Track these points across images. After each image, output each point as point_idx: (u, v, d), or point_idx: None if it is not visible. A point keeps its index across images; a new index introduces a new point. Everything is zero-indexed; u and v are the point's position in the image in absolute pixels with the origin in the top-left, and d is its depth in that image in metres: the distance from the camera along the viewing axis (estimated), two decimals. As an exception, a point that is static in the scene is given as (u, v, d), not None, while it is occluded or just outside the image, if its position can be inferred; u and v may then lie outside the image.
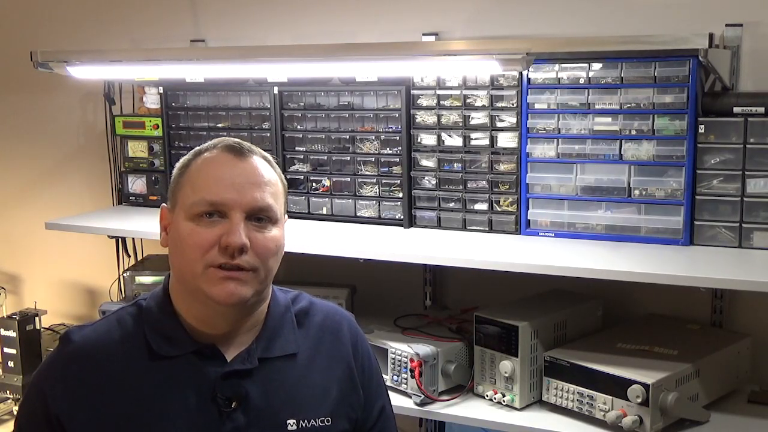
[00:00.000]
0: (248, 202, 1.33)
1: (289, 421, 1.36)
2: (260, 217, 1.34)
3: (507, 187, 2.19)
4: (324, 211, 2.41)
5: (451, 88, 2.22)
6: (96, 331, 1.39)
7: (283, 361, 1.40)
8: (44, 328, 2.87)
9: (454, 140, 2.23)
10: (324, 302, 1.55)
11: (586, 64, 2.05)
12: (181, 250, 1.32)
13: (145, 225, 2.44)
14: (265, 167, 1.38)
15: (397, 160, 2.31)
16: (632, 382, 1.82)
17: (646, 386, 1.80)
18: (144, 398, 1.32)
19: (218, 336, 1.36)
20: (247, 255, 1.31)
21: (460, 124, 2.22)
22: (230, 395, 1.33)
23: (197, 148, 1.40)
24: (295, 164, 2.45)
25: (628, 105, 2.03)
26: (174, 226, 1.35)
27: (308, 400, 1.39)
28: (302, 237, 2.26)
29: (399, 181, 2.31)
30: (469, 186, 2.24)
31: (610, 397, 1.86)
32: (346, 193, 2.39)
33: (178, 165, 1.40)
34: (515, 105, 2.14)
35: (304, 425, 1.37)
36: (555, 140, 2.11)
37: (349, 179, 2.38)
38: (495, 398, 2.02)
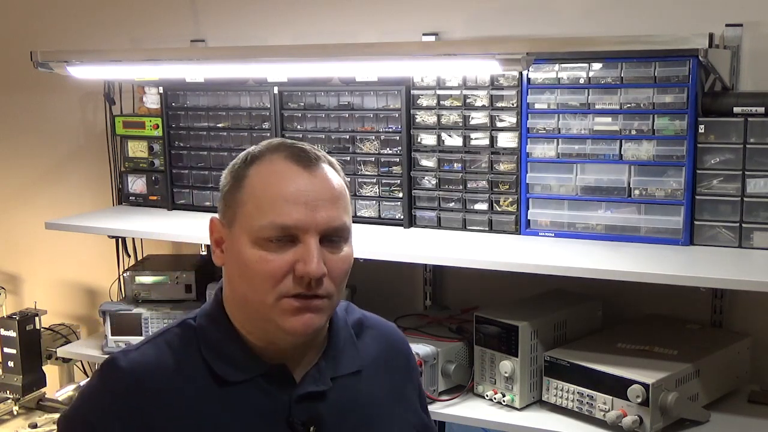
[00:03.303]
0: (323, 222, 1.18)
1: None
2: (334, 238, 1.21)
3: (507, 187, 2.19)
4: (324, 211, 2.41)
5: (451, 88, 2.22)
6: (145, 354, 1.23)
7: (350, 378, 1.29)
8: (44, 328, 2.87)
9: (454, 140, 2.23)
10: (371, 313, 1.47)
11: (586, 64, 2.05)
12: (248, 278, 1.19)
13: (145, 225, 2.44)
14: (335, 177, 1.24)
15: (397, 160, 2.31)
16: (632, 382, 1.82)
17: (646, 386, 1.80)
18: (212, 428, 1.19)
19: (285, 356, 1.24)
20: (323, 282, 1.19)
21: (460, 124, 2.22)
22: (306, 419, 1.22)
23: (250, 151, 1.25)
24: (295, 164, 2.44)
25: (628, 105, 2.03)
26: (234, 247, 1.20)
27: (378, 419, 1.32)
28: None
29: (399, 181, 2.31)
30: (469, 186, 2.24)
31: (610, 397, 1.86)
32: (346, 193, 2.39)
33: (229, 172, 1.25)
34: (515, 105, 2.14)
35: None
36: (555, 140, 2.11)
37: (349, 179, 2.37)
38: (495, 398, 2.02)
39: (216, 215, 1.27)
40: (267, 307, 1.18)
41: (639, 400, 1.80)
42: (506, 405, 2.02)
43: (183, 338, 1.25)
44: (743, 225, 1.97)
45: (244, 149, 2.56)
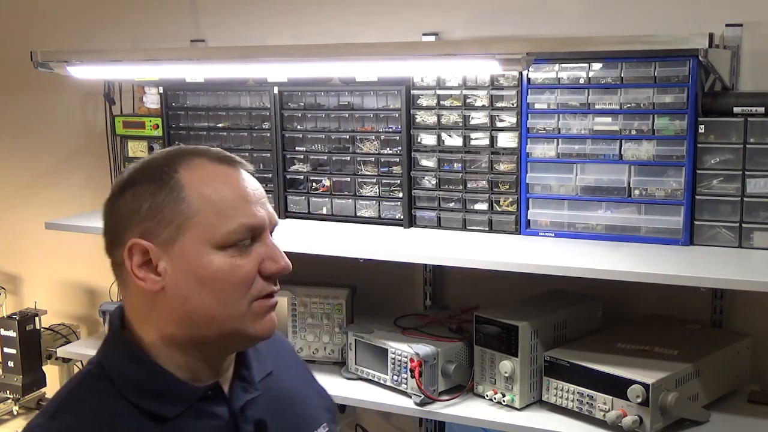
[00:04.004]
0: (273, 218, 1.19)
1: None
2: (272, 233, 1.21)
3: (507, 187, 2.19)
4: (324, 211, 2.41)
5: (451, 88, 2.22)
6: (68, 427, 1.11)
7: (268, 381, 1.28)
8: (44, 328, 2.88)
9: (454, 140, 2.23)
10: None
11: (586, 64, 2.05)
12: (217, 290, 1.12)
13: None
14: None
15: (397, 160, 2.31)
16: (632, 382, 1.82)
17: (646, 386, 1.80)
18: None
19: (211, 375, 1.20)
20: None
21: (460, 124, 2.22)
22: (253, 429, 1.21)
23: (156, 164, 1.15)
24: (295, 164, 2.45)
25: (628, 105, 2.03)
26: (187, 263, 1.12)
27: (303, 409, 1.33)
28: (302, 237, 2.26)
29: (399, 181, 2.31)
30: (469, 186, 2.24)
31: (610, 397, 1.86)
32: (346, 193, 2.39)
33: (142, 189, 1.13)
34: (515, 105, 2.14)
35: None
36: (555, 140, 2.11)
37: (349, 179, 2.38)
38: (495, 398, 2.02)
39: (136, 240, 1.12)
40: (237, 317, 1.14)
41: (639, 400, 1.80)
42: (506, 405, 2.01)
43: (100, 391, 1.14)
44: (743, 225, 1.97)
45: (245, 149, 2.59)
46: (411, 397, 2.07)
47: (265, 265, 1.15)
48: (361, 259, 2.10)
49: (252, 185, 1.18)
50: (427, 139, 2.27)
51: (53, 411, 1.14)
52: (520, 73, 2.10)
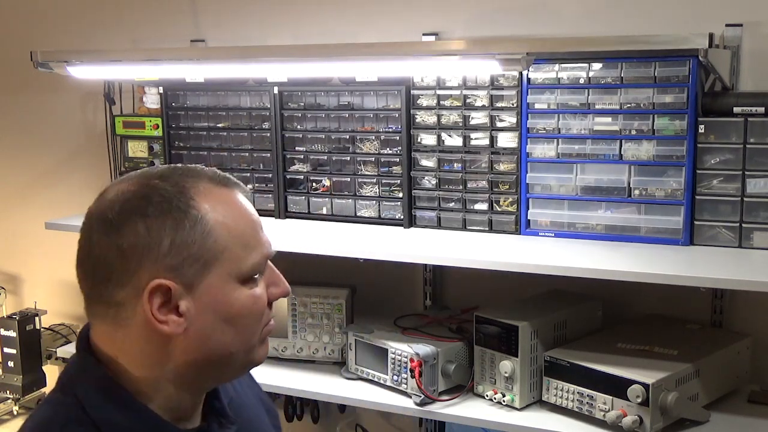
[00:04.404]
0: (270, 242, 1.14)
1: None
2: None
3: (507, 187, 2.19)
4: (324, 211, 2.41)
5: (451, 88, 2.22)
6: None
7: (233, 407, 1.21)
8: (44, 328, 2.88)
9: (454, 140, 2.23)
10: None
11: (586, 64, 2.05)
12: (241, 326, 1.08)
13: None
14: None
15: (397, 160, 2.31)
16: (632, 382, 1.82)
17: (646, 386, 1.80)
18: None
19: (193, 410, 1.15)
20: None
21: (460, 124, 2.22)
22: None
23: (161, 187, 1.05)
24: (295, 164, 2.45)
25: (628, 105, 2.03)
26: (213, 301, 1.05)
27: (264, 428, 1.30)
28: (302, 237, 2.26)
29: (399, 181, 2.31)
30: (469, 186, 2.24)
31: (610, 397, 1.86)
32: (346, 193, 2.39)
33: (163, 225, 1.02)
34: (515, 105, 2.14)
35: None
36: (555, 140, 2.11)
37: (349, 179, 2.38)
38: (495, 398, 2.02)
39: (161, 281, 1.02)
40: (251, 349, 1.10)
41: (639, 400, 1.80)
42: (506, 405, 2.01)
43: None
44: (743, 225, 1.97)
45: (245, 149, 2.59)
46: (411, 397, 2.07)
47: (270, 291, 1.12)
48: (361, 259, 2.10)
49: (254, 210, 1.13)
50: (427, 139, 2.27)
51: None
52: (520, 73, 2.10)
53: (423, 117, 2.26)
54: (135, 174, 1.09)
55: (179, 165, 1.11)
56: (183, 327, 1.04)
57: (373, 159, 2.34)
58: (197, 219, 1.03)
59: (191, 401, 1.13)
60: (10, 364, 2.80)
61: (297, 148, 2.44)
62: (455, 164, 2.25)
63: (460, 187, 2.25)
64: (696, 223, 2.01)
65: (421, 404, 2.05)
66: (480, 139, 2.21)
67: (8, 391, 2.80)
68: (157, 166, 1.10)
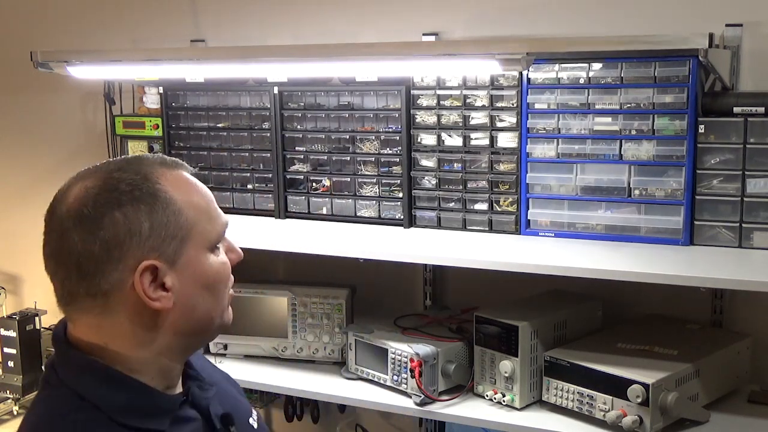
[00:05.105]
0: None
1: (249, 421, 1.33)
2: None
3: (507, 187, 2.19)
4: (324, 211, 2.41)
5: (451, 88, 2.22)
6: None
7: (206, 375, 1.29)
8: (44, 328, 2.87)
9: (454, 140, 2.23)
10: None
11: (586, 64, 2.05)
12: (215, 290, 1.17)
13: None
14: None
15: (397, 160, 2.31)
16: (632, 382, 1.82)
17: (646, 386, 1.80)
18: None
19: (175, 376, 1.22)
20: None
21: (460, 124, 2.22)
22: (223, 424, 1.23)
23: (126, 178, 1.12)
24: (295, 164, 2.45)
25: (628, 105, 2.03)
26: (191, 273, 1.13)
27: (237, 399, 1.36)
28: (302, 237, 2.26)
29: (399, 181, 2.31)
30: (469, 186, 2.24)
31: (610, 397, 1.86)
32: (346, 193, 2.39)
33: (136, 208, 1.09)
34: (515, 105, 2.14)
35: (253, 421, 1.34)
36: (555, 140, 2.11)
37: (349, 179, 2.38)
38: (495, 398, 2.02)
39: (149, 261, 1.09)
40: (223, 311, 1.20)
41: (639, 400, 1.80)
42: (506, 405, 2.01)
43: (93, 423, 1.09)
44: (743, 225, 1.97)
45: (245, 149, 2.59)
46: (411, 397, 2.07)
47: (230, 256, 1.22)
48: (361, 259, 2.10)
49: (204, 185, 1.21)
50: (427, 139, 2.27)
51: None
52: (520, 73, 2.10)
53: (423, 117, 2.26)
54: (90, 171, 1.17)
55: (128, 156, 1.20)
56: (172, 301, 1.12)
57: (373, 159, 2.34)
58: (167, 201, 1.12)
59: (177, 370, 1.21)
60: (10, 364, 2.80)
61: (297, 148, 2.44)
62: (455, 164, 2.25)
63: (460, 187, 2.25)
64: (696, 223, 2.01)
65: (421, 404, 2.05)
66: (480, 139, 2.21)
67: (8, 391, 2.80)
68: (106, 160, 1.19)
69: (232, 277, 1.22)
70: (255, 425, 1.34)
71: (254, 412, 1.37)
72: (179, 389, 1.22)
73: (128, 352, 1.13)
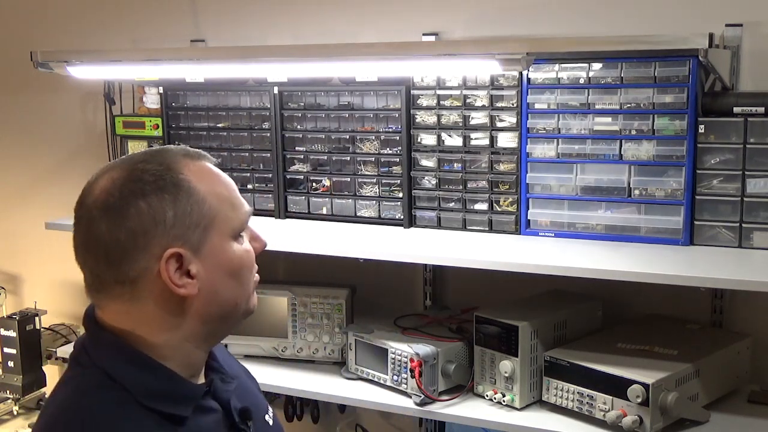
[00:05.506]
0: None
1: (266, 417, 1.35)
2: None
3: (507, 187, 2.19)
4: (324, 211, 2.41)
5: (451, 88, 2.22)
6: None
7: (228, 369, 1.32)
8: (44, 328, 2.87)
9: (454, 140, 2.23)
10: None
11: (586, 64, 2.05)
12: (240, 277, 1.20)
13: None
14: None
15: (397, 160, 2.31)
16: (632, 382, 1.82)
17: (646, 386, 1.80)
18: None
19: (199, 367, 1.25)
20: None
21: (460, 124, 2.22)
22: (242, 418, 1.25)
23: (151, 168, 1.15)
24: (295, 164, 2.45)
25: (628, 105, 2.03)
26: (216, 261, 1.16)
27: (256, 394, 1.38)
28: (302, 237, 2.26)
29: (399, 181, 2.31)
30: (469, 186, 2.24)
31: (610, 397, 1.86)
32: (346, 193, 2.39)
33: (160, 198, 1.12)
34: (515, 105, 2.14)
35: (269, 418, 1.36)
36: (555, 140, 2.11)
37: (349, 179, 2.38)
38: (495, 398, 2.02)
39: (174, 249, 1.12)
40: (248, 297, 1.23)
41: (639, 400, 1.80)
42: (506, 405, 2.02)
43: (121, 404, 1.12)
44: (743, 225, 1.97)
45: (245, 149, 2.59)
46: (411, 397, 2.07)
47: (253, 245, 1.24)
48: (361, 259, 2.10)
49: (227, 175, 1.24)
50: (427, 139, 2.27)
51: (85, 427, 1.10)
52: (520, 73, 2.10)
53: (423, 117, 2.26)
54: (116, 163, 1.19)
55: (153, 147, 1.23)
56: (197, 287, 1.15)
57: (373, 159, 2.34)
58: (190, 190, 1.15)
59: (202, 358, 1.24)
60: (10, 364, 2.80)
61: (297, 148, 2.44)
62: (455, 164, 2.25)
63: (460, 187, 2.25)
64: (696, 223, 2.01)
65: (421, 404, 2.05)
66: (480, 139, 2.21)
67: (8, 391, 2.80)
68: (131, 153, 1.20)
69: (256, 265, 1.25)
70: (270, 422, 1.36)
71: (270, 409, 1.38)
72: (201, 380, 1.25)
73: (155, 338, 1.16)
